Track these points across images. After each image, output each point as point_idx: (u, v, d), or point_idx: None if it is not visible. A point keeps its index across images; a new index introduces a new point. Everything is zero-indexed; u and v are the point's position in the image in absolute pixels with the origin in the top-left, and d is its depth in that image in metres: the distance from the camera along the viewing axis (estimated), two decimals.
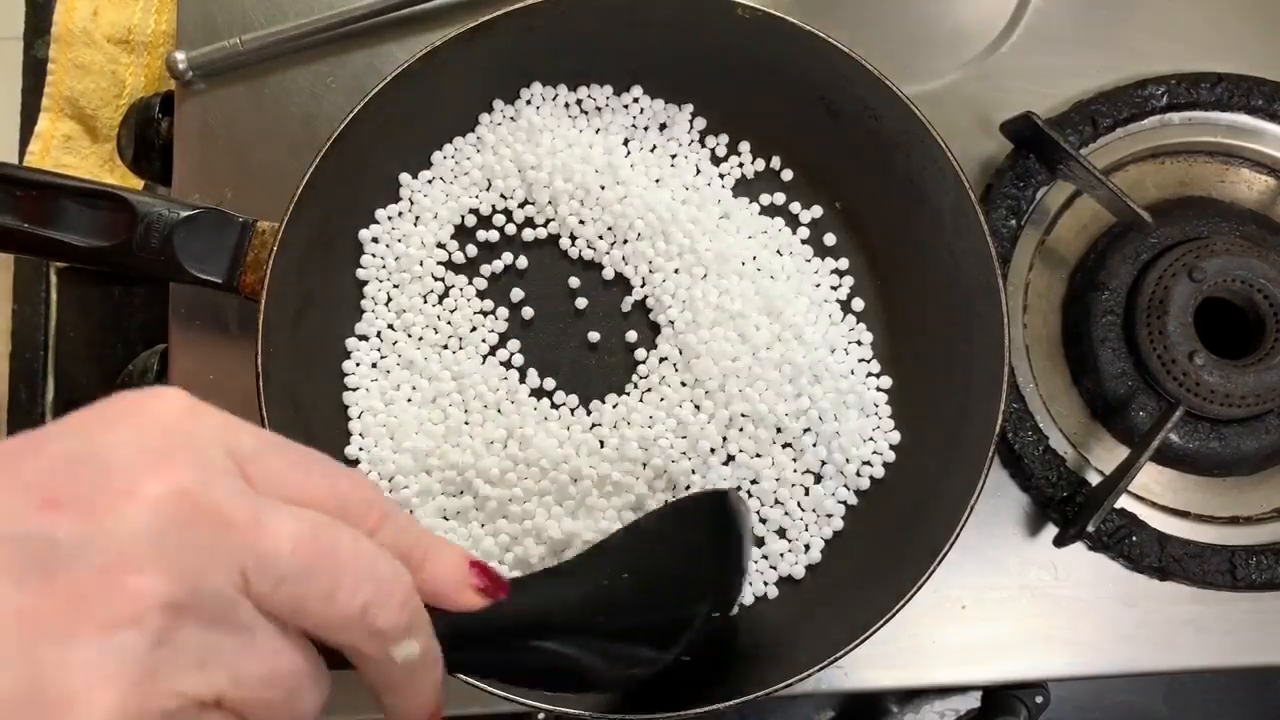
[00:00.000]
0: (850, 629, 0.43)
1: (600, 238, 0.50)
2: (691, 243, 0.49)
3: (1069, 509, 0.50)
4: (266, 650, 0.24)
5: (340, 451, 0.47)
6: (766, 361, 0.48)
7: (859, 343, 0.50)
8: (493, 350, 0.50)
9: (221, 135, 0.53)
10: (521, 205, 0.51)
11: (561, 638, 0.32)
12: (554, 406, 0.49)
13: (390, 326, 0.49)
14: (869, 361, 0.50)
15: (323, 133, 0.46)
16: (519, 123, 0.51)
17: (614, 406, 0.49)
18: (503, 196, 0.51)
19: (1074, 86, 0.55)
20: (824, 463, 0.48)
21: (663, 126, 0.52)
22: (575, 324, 0.50)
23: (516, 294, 0.50)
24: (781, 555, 0.48)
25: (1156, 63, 0.56)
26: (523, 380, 0.49)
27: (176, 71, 0.53)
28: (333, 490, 0.26)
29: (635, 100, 0.52)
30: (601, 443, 0.48)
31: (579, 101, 0.52)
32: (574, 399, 0.49)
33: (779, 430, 0.48)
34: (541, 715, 0.44)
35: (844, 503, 0.48)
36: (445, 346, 0.49)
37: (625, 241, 0.50)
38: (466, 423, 0.48)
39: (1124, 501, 0.50)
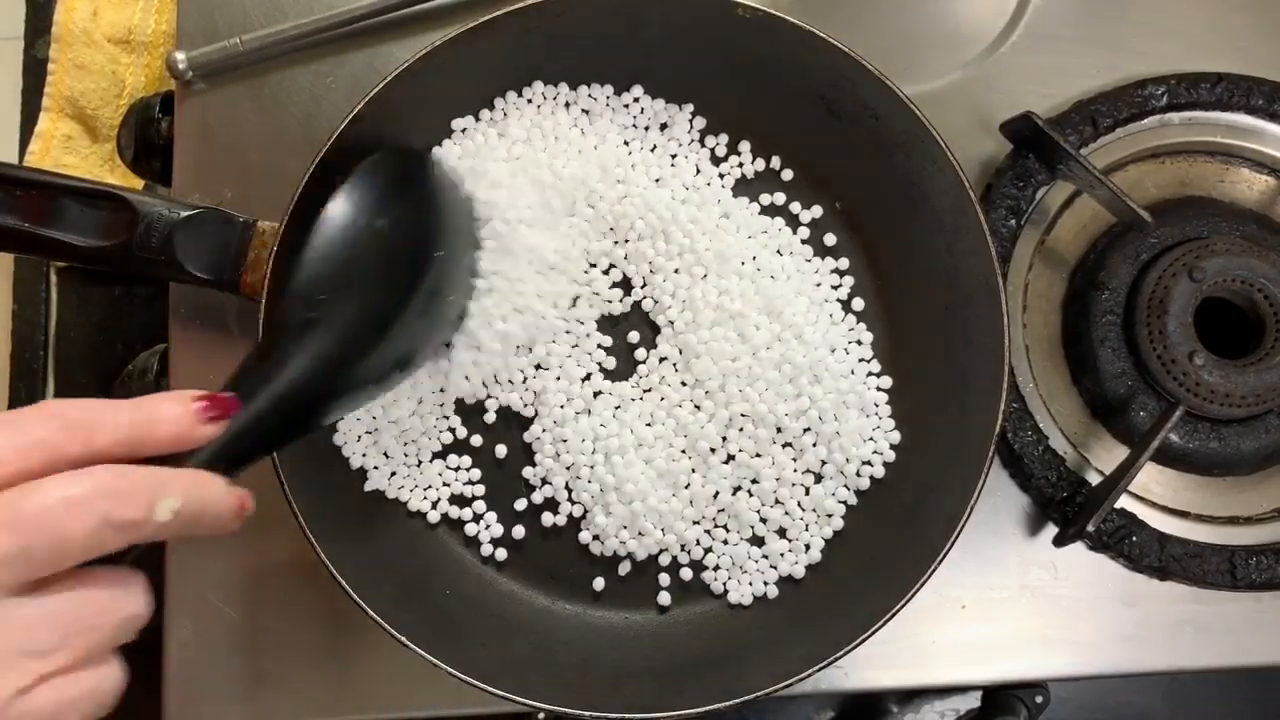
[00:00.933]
0: (850, 629, 0.43)
1: (603, 236, 0.50)
2: (691, 243, 0.49)
3: (1069, 509, 0.50)
4: (45, 622, 0.28)
5: (331, 441, 0.47)
6: (766, 361, 0.48)
7: (859, 342, 0.50)
8: None
9: (221, 135, 0.53)
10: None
11: (309, 394, 0.37)
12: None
13: None
14: (869, 361, 0.50)
15: (323, 133, 0.46)
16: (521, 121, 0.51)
17: (616, 407, 0.49)
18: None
19: (1074, 86, 0.55)
20: (824, 462, 0.48)
21: (663, 126, 0.52)
22: None
23: None
24: (782, 555, 0.48)
25: (1156, 63, 0.56)
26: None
27: (176, 71, 0.53)
28: (30, 444, 0.28)
29: (635, 100, 0.52)
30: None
31: (576, 102, 0.52)
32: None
33: (779, 430, 0.48)
34: (542, 715, 0.45)
35: (844, 502, 0.49)
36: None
37: (626, 241, 0.50)
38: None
39: (1124, 501, 0.50)
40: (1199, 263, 0.50)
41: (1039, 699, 0.50)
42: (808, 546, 0.48)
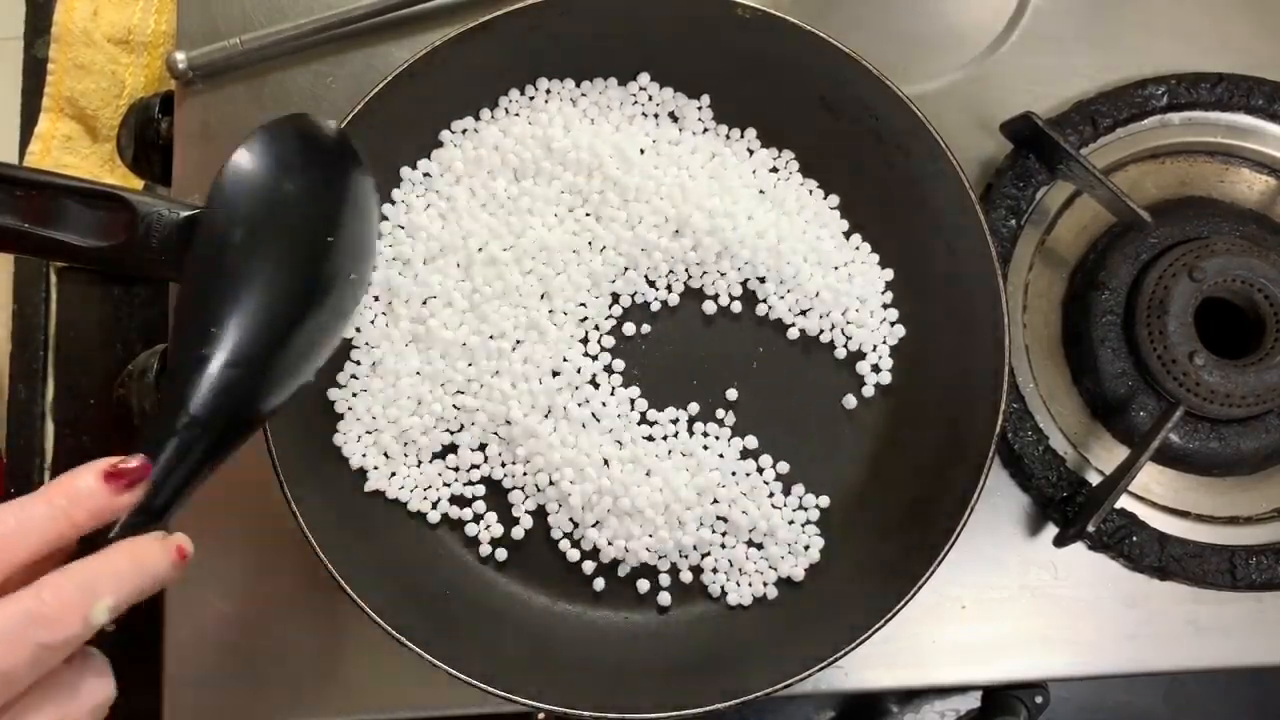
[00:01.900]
0: (850, 629, 0.43)
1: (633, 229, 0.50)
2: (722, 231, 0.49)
3: (1069, 509, 0.50)
4: None
5: (330, 441, 0.47)
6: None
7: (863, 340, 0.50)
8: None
9: (221, 135, 0.53)
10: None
11: (219, 423, 0.37)
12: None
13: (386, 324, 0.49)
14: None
15: None
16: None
17: (617, 415, 0.49)
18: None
19: (1074, 86, 0.55)
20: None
21: (673, 115, 0.52)
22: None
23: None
24: (782, 557, 0.48)
25: (1156, 63, 0.56)
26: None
27: (176, 71, 0.53)
28: None
29: (643, 88, 0.51)
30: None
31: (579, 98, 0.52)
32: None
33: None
34: (542, 715, 0.45)
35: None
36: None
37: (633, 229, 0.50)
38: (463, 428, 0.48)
39: (1124, 501, 0.50)
40: (1199, 263, 0.50)
41: (1039, 699, 0.50)
42: (807, 548, 0.48)
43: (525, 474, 0.48)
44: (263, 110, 0.53)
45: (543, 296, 0.49)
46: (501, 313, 0.48)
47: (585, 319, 0.49)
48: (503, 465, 0.48)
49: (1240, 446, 0.51)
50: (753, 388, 0.50)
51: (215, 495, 0.49)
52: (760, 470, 0.49)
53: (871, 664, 0.49)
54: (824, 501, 0.49)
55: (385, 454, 0.48)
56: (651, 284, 0.50)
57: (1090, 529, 0.47)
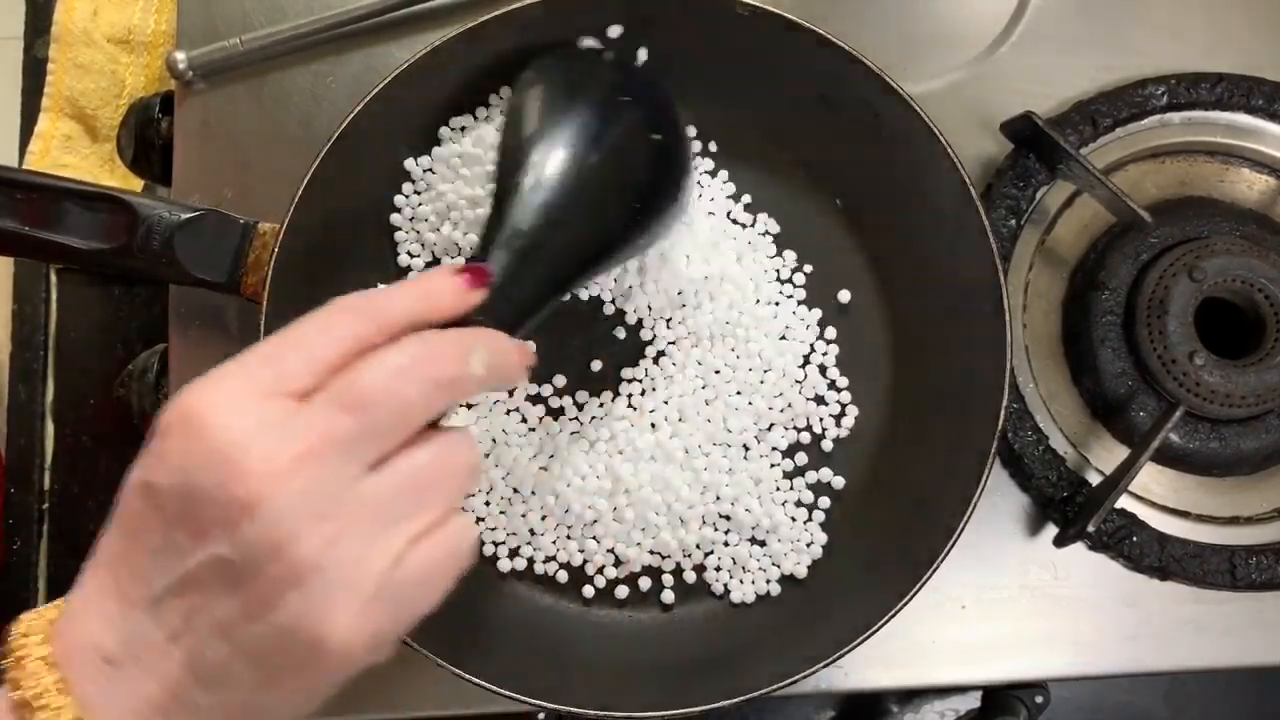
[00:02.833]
0: (850, 629, 0.43)
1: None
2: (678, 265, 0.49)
3: (1069, 509, 0.50)
4: (402, 490, 0.30)
5: None
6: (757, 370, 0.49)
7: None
8: None
9: (221, 135, 0.53)
10: None
11: (557, 256, 0.39)
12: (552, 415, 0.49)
13: None
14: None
15: (323, 133, 0.46)
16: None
17: (619, 418, 0.49)
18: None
19: (1074, 86, 0.55)
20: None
21: None
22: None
23: None
24: (785, 555, 0.48)
25: (1156, 63, 0.55)
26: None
27: (176, 71, 0.53)
28: (341, 338, 0.30)
29: None
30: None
31: None
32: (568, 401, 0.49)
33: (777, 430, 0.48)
34: (542, 715, 0.45)
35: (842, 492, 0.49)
36: None
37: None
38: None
39: (1124, 501, 0.50)
40: (1199, 263, 0.50)
41: (1039, 699, 0.50)
42: (809, 546, 0.48)
43: (533, 493, 0.48)
44: (263, 110, 0.53)
45: None
46: None
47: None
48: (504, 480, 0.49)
49: (1240, 446, 0.51)
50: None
51: None
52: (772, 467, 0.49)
53: (871, 664, 0.49)
54: (824, 502, 0.49)
55: None
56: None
57: (1090, 529, 0.47)
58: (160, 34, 0.59)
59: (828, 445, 0.49)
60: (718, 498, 0.48)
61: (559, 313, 0.50)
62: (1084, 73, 0.55)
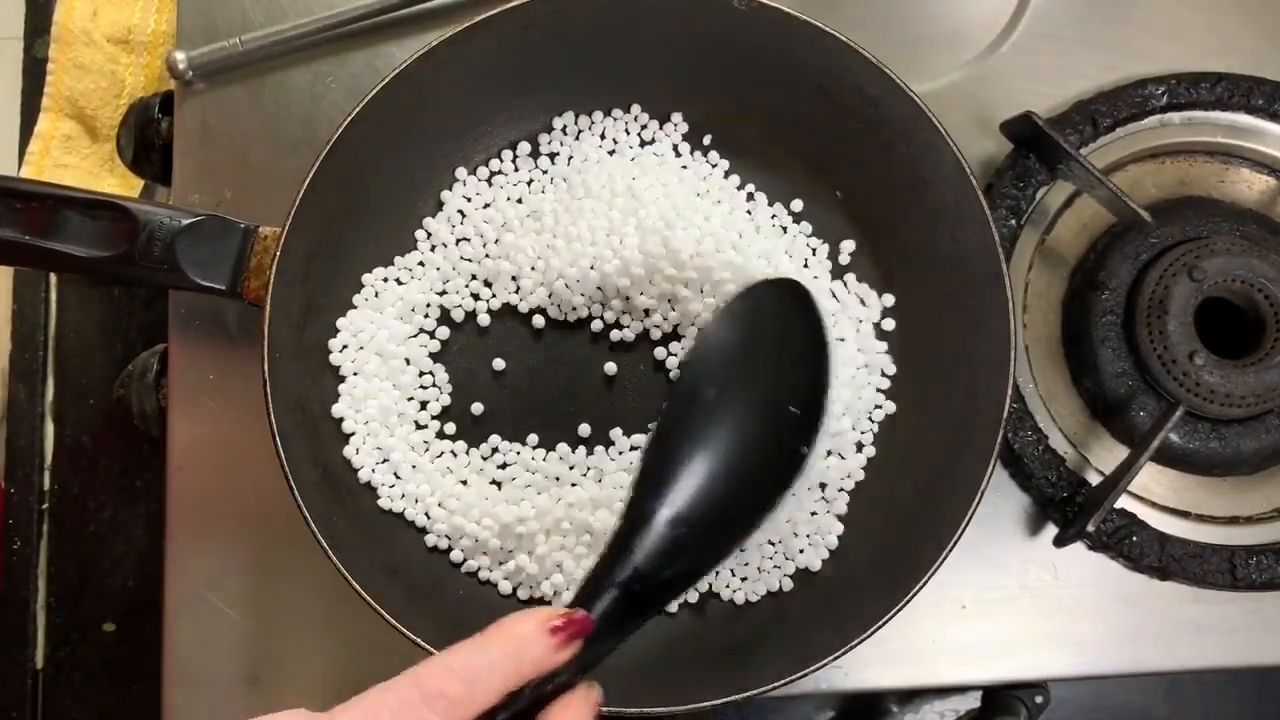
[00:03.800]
0: (851, 628, 0.43)
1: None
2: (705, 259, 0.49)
3: (1069, 509, 0.50)
4: None
5: (340, 452, 0.47)
6: None
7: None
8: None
9: (221, 135, 0.53)
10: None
11: (668, 583, 0.35)
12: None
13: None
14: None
15: (322, 133, 0.46)
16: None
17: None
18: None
19: (1074, 86, 0.55)
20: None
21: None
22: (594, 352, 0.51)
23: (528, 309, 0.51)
24: (786, 557, 0.48)
25: (1156, 63, 0.55)
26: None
27: (176, 71, 0.53)
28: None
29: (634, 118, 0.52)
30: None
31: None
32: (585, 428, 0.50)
33: None
34: None
35: (845, 490, 0.49)
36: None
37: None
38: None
39: (1124, 501, 0.50)
40: (1199, 263, 0.50)
41: (1039, 699, 0.50)
42: (810, 547, 0.48)
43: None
44: (262, 110, 0.53)
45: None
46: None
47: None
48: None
49: (1240, 446, 0.51)
50: None
51: (217, 496, 0.49)
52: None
53: (871, 664, 0.49)
54: (824, 502, 0.49)
55: (396, 474, 0.48)
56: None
57: (1090, 529, 0.47)
58: (160, 34, 0.59)
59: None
60: None
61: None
62: (1084, 73, 0.55)
